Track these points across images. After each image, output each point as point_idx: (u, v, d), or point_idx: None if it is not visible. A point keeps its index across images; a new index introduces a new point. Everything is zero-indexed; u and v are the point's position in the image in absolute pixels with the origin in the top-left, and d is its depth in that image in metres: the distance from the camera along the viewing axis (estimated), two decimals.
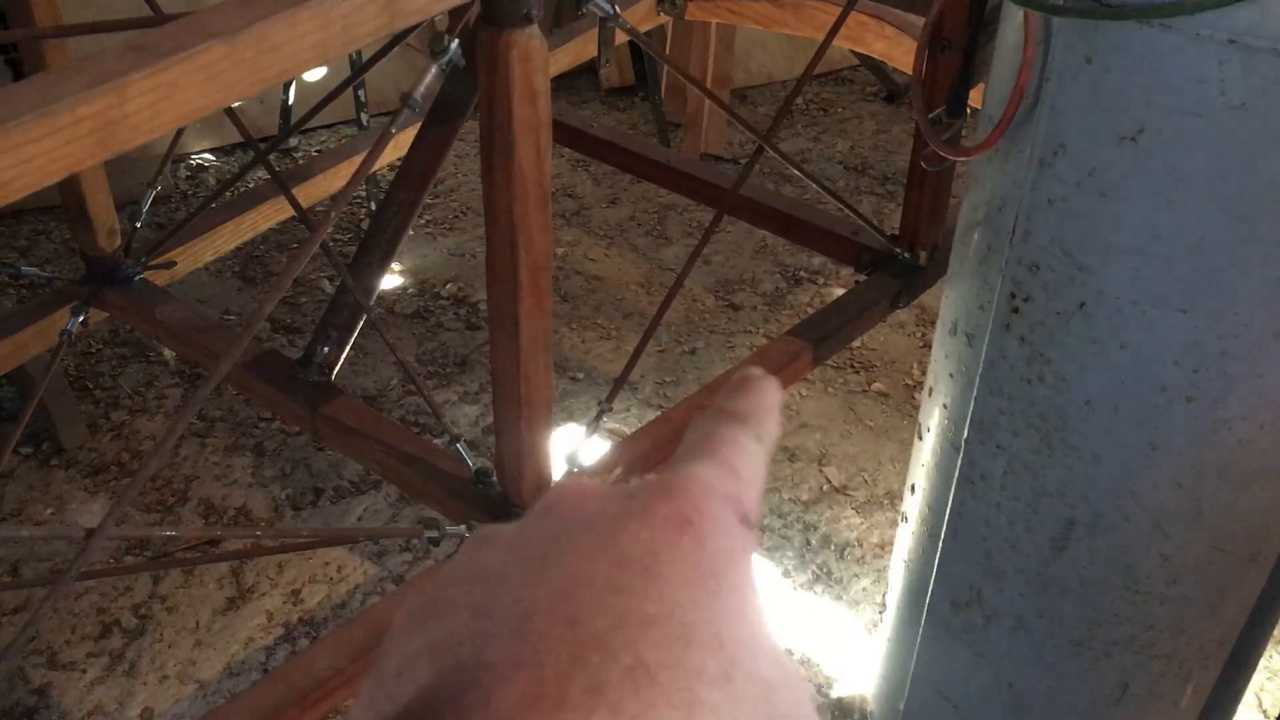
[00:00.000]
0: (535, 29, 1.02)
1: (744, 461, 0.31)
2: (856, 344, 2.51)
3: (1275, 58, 0.87)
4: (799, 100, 3.44)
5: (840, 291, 2.44)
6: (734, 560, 0.27)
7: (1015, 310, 1.11)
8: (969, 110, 1.50)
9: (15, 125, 0.69)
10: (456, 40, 1.07)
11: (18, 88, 0.72)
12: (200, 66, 0.79)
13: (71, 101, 0.71)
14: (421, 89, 1.07)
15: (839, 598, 2.00)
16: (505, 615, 0.25)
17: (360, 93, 2.68)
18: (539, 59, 1.02)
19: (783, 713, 0.26)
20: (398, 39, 1.47)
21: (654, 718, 0.23)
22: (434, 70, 1.06)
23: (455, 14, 1.10)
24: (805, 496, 2.19)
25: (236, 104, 0.90)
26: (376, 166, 2.39)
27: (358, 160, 1.95)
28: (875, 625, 1.93)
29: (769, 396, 0.33)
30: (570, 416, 2.33)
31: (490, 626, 0.25)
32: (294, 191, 1.63)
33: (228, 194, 2.27)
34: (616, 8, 1.32)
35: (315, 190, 2.00)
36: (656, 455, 1.49)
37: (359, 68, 2.05)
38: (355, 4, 0.84)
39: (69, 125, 0.71)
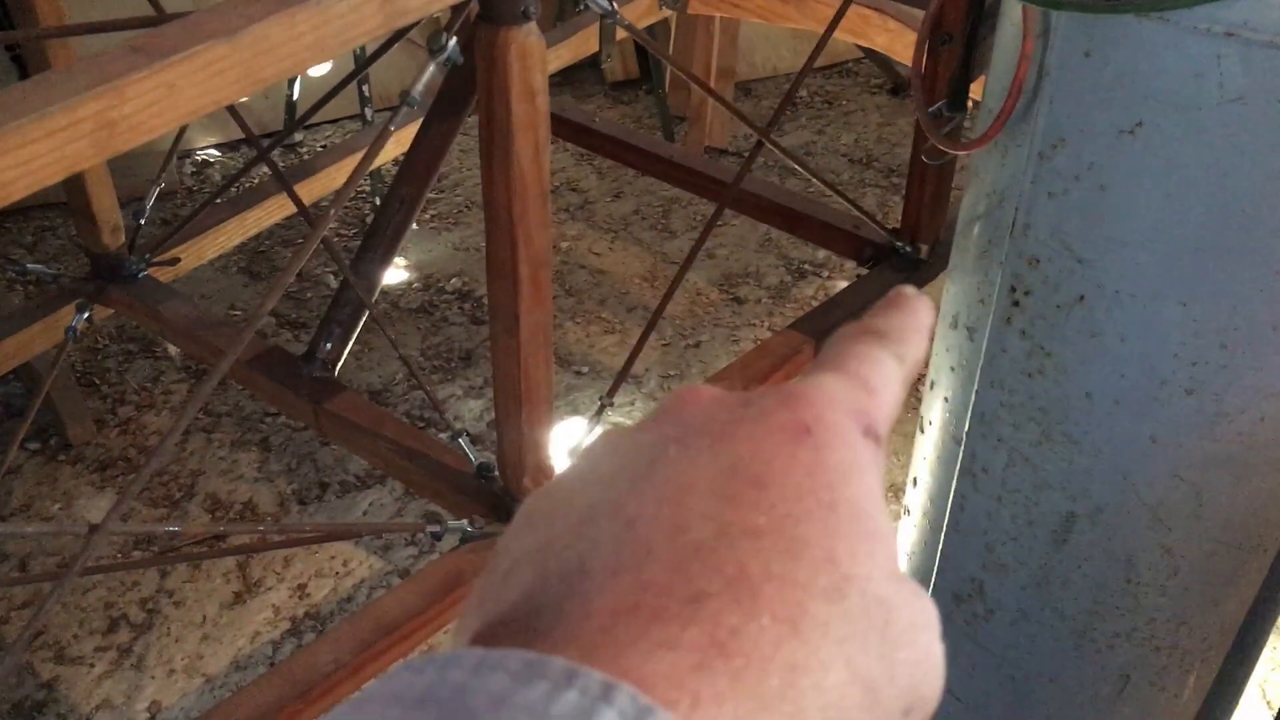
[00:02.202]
0: (533, 26, 1.02)
1: (877, 376, 0.29)
2: None
3: (1273, 50, 0.87)
4: (803, 93, 3.43)
5: (844, 284, 2.44)
6: (853, 473, 0.25)
7: (1015, 303, 1.11)
8: (970, 104, 1.50)
9: (14, 127, 0.69)
10: (455, 37, 1.07)
11: (17, 89, 0.73)
12: (199, 66, 0.79)
13: (70, 103, 0.71)
14: (420, 86, 1.07)
15: None
16: (610, 521, 0.24)
17: (364, 88, 2.68)
18: (537, 56, 1.02)
19: (899, 634, 0.25)
20: (399, 35, 1.47)
21: (756, 629, 0.22)
22: (432, 67, 1.07)
23: (454, 11, 1.10)
24: None
25: (242, 100, 0.91)
26: (379, 162, 2.40)
27: (360, 156, 1.96)
28: None
29: (918, 316, 0.31)
30: (575, 410, 2.33)
31: (594, 532, 0.24)
32: (297, 187, 1.64)
33: (232, 190, 2.27)
34: (615, 4, 1.32)
35: (319, 186, 2.01)
36: None
37: (361, 63, 2.05)
38: (352, 3, 0.85)
39: (68, 126, 0.72)
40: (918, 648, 0.25)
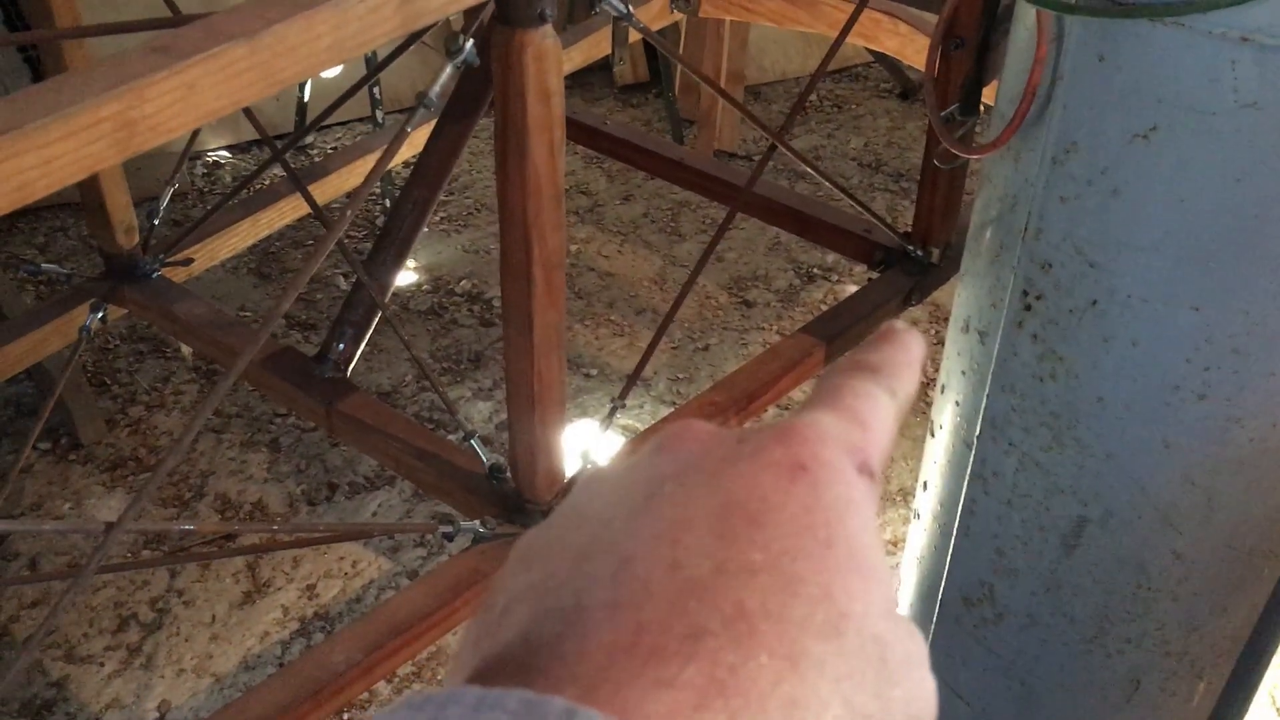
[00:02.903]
0: (549, 28, 1.03)
1: (871, 412, 0.29)
2: None
3: None
4: (813, 97, 3.44)
5: (853, 288, 2.44)
6: (849, 510, 0.26)
7: (1027, 307, 1.11)
8: (982, 108, 1.50)
9: (36, 127, 0.70)
10: (471, 40, 1.08)
11: (39, 89, 0.73)
12: (219, 67, 0.80)
13: (92, 103, 0.72)
14: (437, 88, 1.08)
15: None
16: (606, 558, 0.24)
17: (375, 90, 2.69)
18: (553, 58, 1.03)
19: (894, 671, 0.25)
20: (413, 38, 1.48)
21: (754, 667, 0.22)
22: (449, 69, 1.07)
23: (470, 13, 1.11)
24: None
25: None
26: (392, 164, 2.41)
27: (373, 158, 1.97)
28: None
29: (909, 351, 0.32)
30: (584, 413, 2.34)
31: (591, 569, 0.24)
32: (310, 189, 1.64)
33: (244, 191, 2.28)
34: (629, 7, 1.32)
35: (331, 187, 2.02)
36: None
37: (374, 66, 2.06)
38: (371, 5, 0.85)
39: (89, 126, 0.72)
40: (912, 684, 0.26)
